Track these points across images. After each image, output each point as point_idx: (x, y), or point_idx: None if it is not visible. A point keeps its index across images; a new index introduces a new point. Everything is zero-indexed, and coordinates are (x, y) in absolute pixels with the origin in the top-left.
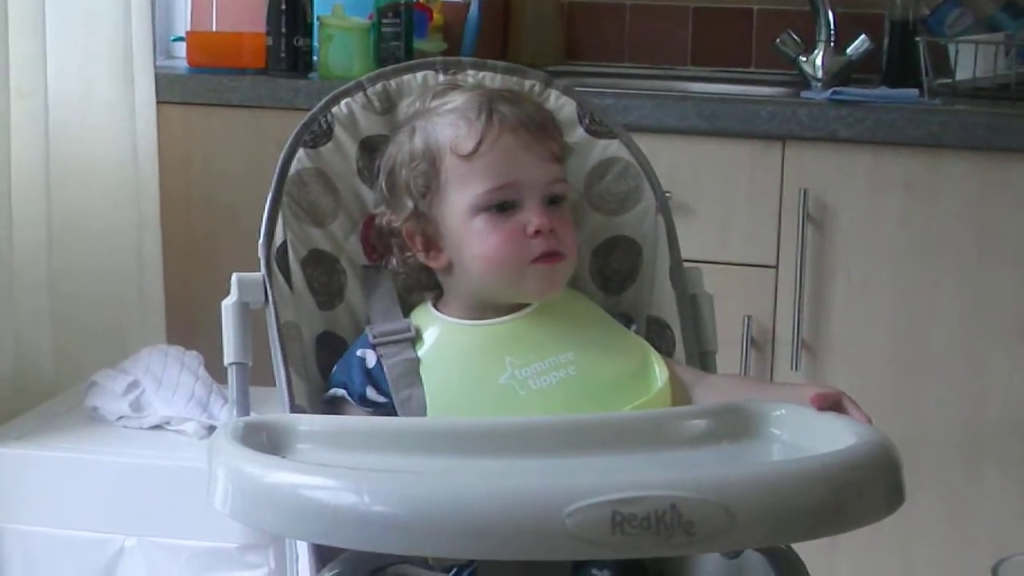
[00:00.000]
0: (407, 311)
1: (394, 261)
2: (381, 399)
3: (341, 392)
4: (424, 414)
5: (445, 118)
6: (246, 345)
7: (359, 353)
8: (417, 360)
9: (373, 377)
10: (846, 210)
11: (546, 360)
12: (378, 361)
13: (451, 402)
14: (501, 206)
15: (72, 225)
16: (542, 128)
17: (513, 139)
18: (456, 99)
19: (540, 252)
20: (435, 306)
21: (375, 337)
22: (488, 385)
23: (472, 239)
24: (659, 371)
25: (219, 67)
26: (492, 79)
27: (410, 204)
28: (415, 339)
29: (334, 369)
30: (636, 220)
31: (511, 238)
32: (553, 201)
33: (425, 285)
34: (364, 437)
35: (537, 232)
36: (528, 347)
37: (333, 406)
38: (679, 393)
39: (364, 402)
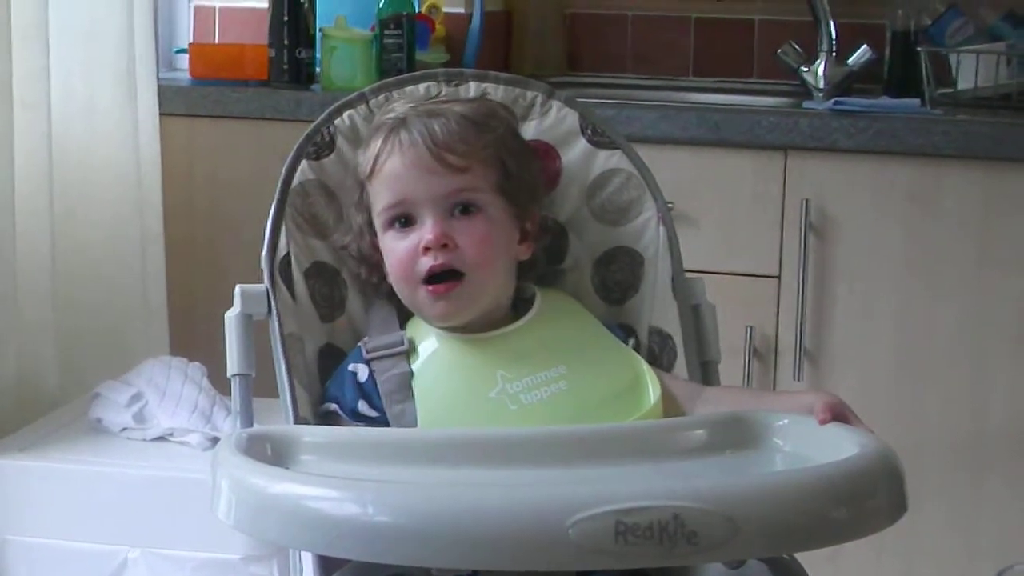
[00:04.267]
0: (405, 322)
1: (359, 279)
2: (373, 413)
3: (333, 407)
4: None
5: (372, 137)
6: (249, 356)
7: (351, 368)
8: (410, 374)
9: (365, 391)
10: (848, 220)
11: (538, 374)
12: (370, 375)
13: (441, 417)
14: (405, 222)
15: (75, 237)
16: (440, 142)
17: (401, 158)
18: (385, 117)
19: (427, 270)
20: None
21: (368, 352)
22: (478, 399)
23: (386, 256)
24: (652, 388)
25: (222, 79)
26: (494, 90)
27: (357, 223)
28: (409, 352)
29: (328, 383)
30: (638, 231)
31: (406, 255)
32: (464, 211)
33: None
34: (368, 448)
35: (427, 248)
36: (520, 360)
37: (327, 420)
38: (672, 411)
39: (356, 416)
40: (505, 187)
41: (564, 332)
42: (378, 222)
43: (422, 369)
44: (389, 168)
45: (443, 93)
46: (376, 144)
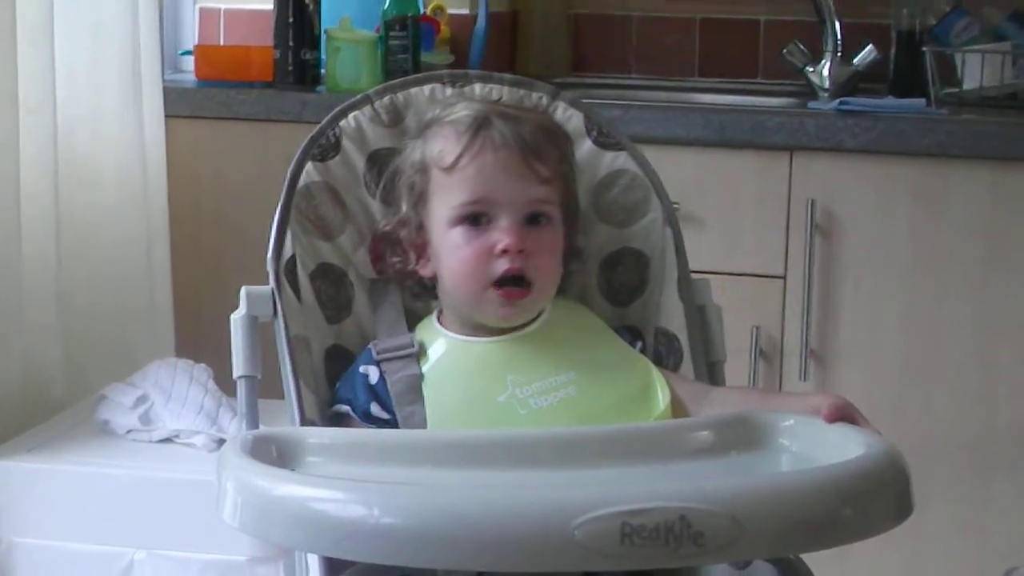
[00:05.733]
0: (413, 324)
1: (394, 267)
2: (385, 415)
3: (345, 408)
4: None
5: (443, 129)
6: (255, 358)
7: (362, 369)
8: (420, 376)
9: (376, 393)
10: (854, 220)
11: (547, 379)
12: (381, 377)
13: (450, 420)
14: (475, 220)
15: (81, 239)
16: (531, 148)
17: (493, 157)
18: (459, 112)
19: (502, 272)
20: (439, 320)
21: (379, 353)
22: (488, 403)
23: (447, 252)
24: (661, 394)
25: (227, 80)
26: (499, 91)
27: (404, 210)
28: (419, 354)
29: (338, 385)
30: (644, 232)
31: (479, 254)
32: (534, 221)
33: (429, 292)
34: (374, 450)
35: (504, 251)
36: (530, 365)
37: (338, 422)
38: (679, 413)
39: (368, 418)
40: (565, 204)
41: (574, 337)
42: (446, 215)
43: (432, 371)
44: (477, 164)
45: (501, 99)
46: (458, 137)
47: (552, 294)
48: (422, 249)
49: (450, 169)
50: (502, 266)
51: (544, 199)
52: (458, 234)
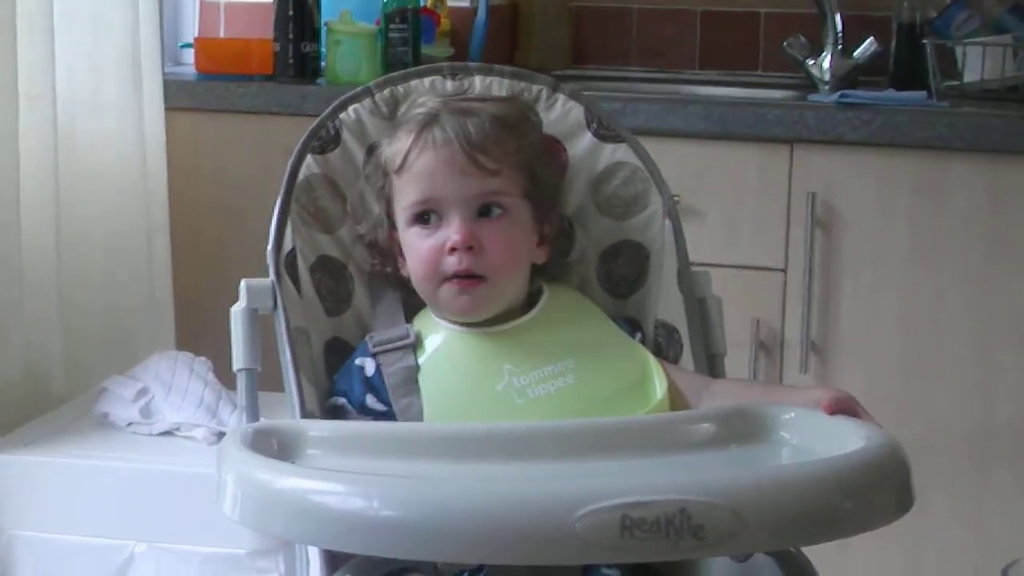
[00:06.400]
0: (411, 316)
1: (373, 269)
2: (381, 407)
3: (342, 401)
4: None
5: (401, 129)
6: (255, 351)
7: (358, 362)
8: (416, 367)
9: (372, 385)
10: (854, 213)
11: (545, 368)
12: (377, 369)
13: (448, 410)
14: (426, 219)
15: (81, 231)
16: (475, 143)
17: (435, 155)
18: (415, 111)
19: (452, 272)
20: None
21: (375, 346)
22: (485, 393)
23: (407, 252)
24: (658, 383)
25: (227, 73)
26: (499, 84)
27: (376, 213)
28: (416, 345)
29: (335, 377)
30: (643, 224)
31: (430, 254)
32: (486, 213)
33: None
34: (374, 442)
35: (453, 249)
36: (527, 354)
37: (335, 414)
38: (678, 404)
39: (364, 410)
40: (531, 192)
41: (571, 326)
42: (402, 216)
43: (428, 362)
44: (420, 164)
45: (469, 89)
46: (407, 138)
47: (515, 284)
48: (399, 250)
49: (399, 171)
50: (452, 265)
51: (495, 191)
52: (414, 234)
